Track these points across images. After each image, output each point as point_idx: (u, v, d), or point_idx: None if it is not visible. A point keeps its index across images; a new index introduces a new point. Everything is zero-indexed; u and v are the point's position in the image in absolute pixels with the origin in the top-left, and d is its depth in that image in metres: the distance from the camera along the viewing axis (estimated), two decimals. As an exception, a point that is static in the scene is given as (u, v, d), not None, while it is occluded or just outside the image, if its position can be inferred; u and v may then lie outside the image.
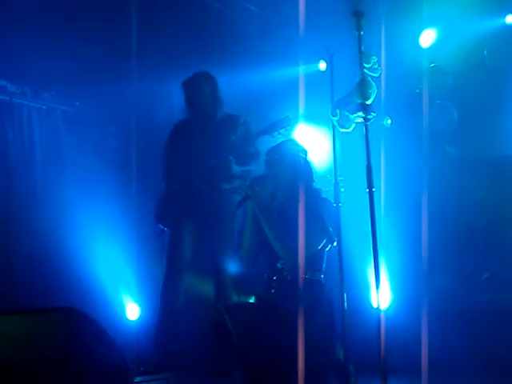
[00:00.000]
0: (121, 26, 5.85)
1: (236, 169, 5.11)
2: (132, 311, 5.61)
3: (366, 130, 3.17)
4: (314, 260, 3.89)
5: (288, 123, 4.74)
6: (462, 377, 4.38)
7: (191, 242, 5.19)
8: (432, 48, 6.07)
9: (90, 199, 6.07)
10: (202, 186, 5.11)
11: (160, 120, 6.47)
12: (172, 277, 5.12)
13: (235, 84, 6.37)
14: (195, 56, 6.34)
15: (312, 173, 4.06)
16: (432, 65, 5.89)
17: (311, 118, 5.77)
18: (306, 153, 4.09)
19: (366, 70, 3.24)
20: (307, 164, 4.04)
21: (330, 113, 3.46)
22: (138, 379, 4.55)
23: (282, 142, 4.17)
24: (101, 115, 6.85)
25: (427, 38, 6.09)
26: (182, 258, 5.14)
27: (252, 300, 4.07)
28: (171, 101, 6.80)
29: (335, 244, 3.98)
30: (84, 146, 6.61)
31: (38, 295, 5.67)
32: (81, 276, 5.87)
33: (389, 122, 5.34)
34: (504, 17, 6.12)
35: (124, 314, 5.67)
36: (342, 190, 4.16)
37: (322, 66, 5.89)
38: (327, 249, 3.96)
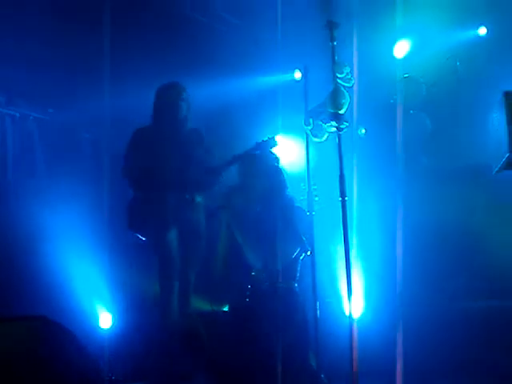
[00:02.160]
0: (96, 32, 5.83)
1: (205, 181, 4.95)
2: (105, 320, 5.58)
3: (339, 139, 3.19)
4: (288, 269, 3.90)
5: (274, 144, 4.57)
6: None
7: (178, 251, 4.96)
8: (406, 58, 6.12)
9: (64, 207, 6.01)
10: (185, 195, 4.93)
11: (136, 126, 6.44)
12: (169, 292, 4.85)
13: (210, 94, 6.38)
14: (171, 64, 6.33)
15: (285, 180, 4.07)
16: (406, 75, 5.93)
17: (285, 127, 5.79)
18: (277, 160, 4.10)
19: (339, 80, 3.26)
20: (280, 172, 4.05)
21: (303, 122, 3.47)
22: (109, 388, 4.53)
23: None
24: (75, 122, 6.80)
25: (401, 48, 6.12)
26: (174, 270, 4.90)
27: (226, 309, 4.07)
28: (146, 108, 6.77)
29: (309, 253, 3.99)
30: (58, 153, 6.56)
31: (10, 304, 5.60)
32: (53, 285, 5.81)
33: (363, 131, 5.37)
34: (477, 29, 6.21)
35: (97, 322, 5.63)
36: (316, 198, 4.19)
37: (298, 75, 5.91)
38: (301, 258, 3.97)
